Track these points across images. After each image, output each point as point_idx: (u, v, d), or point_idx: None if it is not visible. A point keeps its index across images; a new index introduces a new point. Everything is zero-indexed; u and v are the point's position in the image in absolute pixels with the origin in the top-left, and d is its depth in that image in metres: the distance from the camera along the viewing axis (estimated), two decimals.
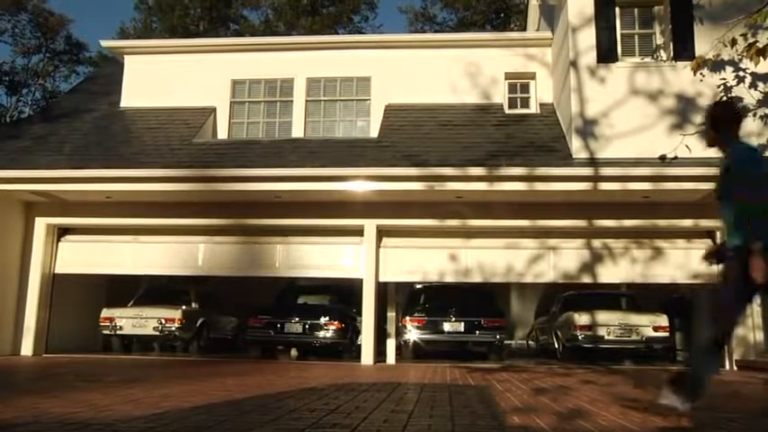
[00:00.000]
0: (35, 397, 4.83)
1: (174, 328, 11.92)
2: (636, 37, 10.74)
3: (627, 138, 9.91)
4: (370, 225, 10.81)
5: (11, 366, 8.73)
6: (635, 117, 9.98)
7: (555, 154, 10.27)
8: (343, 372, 8.34)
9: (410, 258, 11.08)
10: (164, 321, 11.86)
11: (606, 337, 11.04)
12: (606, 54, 10.37)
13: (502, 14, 29.74)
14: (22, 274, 11.18)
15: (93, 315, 12.14)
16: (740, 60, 9.56)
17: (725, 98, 4.30)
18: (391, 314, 11.76)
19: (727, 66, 9.80)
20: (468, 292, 12.42)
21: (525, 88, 12.37)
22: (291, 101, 12.65)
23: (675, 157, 9.35)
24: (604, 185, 9.60)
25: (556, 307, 13.20)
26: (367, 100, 12.53)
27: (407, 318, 11.86)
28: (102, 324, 12.01)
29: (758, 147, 4.09)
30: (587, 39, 10.43)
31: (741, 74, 9.86)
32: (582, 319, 11.22)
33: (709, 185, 9.74)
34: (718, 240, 10.59)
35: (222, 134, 12.54)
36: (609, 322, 11.11)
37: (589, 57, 10.38)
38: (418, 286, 12.95)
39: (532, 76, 12.29)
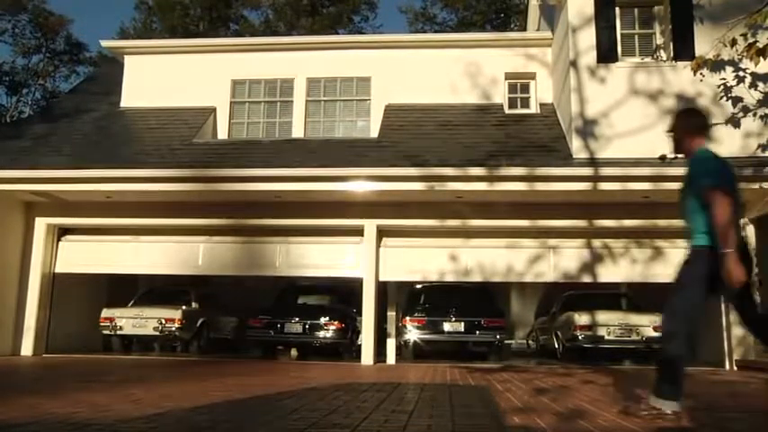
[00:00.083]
0: (35, 397, 4.83)
1: (174, 329, 11.92)
2: (636, 37, 10.74)
3: (627, 138, 9.91)
4: (370, 225, 10.81)
5: (11, 366, 8.73)
6: (635, 117, 9.98)
7: (555, 154, 10.27)
8: (344, 372, 8.34)
9: (410, 258, 11.08)
10: (164, 321, 11.86)
11: (606, 337, 11.04)
12: (606, 54, 10.37)
13: (502, 14, 29.75)
14: (23, 274, 11.18)
15: (94, 315, 12.15)
16: (740, 60, 9.56)
17: (691, 106, 4.46)
18: (391, 314, 11.76)
19: (727, 66, 9.80)
20: (469, 292, 12.41)
21: (525, 88, 12.37)
22: (291, 101, 12.65)
23: (675, 157, 9.32)
24: (604, 185, 9.60)
25: (556, 307, 13.20)
26: (367, 100, 12.53)
27: (407, 318, 11.86)
28: (102, 324, 12.01)
29: (714, 156, 4.16)
30: (587, 39, 10.43)
31: (741, 74, 9.86)
32: (582, 319, 11.22)
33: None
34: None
35: (222, 134, 12.54)
36: (609, 322, 11.11)
37: (589, 57, 10.38)
38: (418, 286, 12.95)
39: (532, 76, 12.29)
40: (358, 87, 12.65)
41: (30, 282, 11.16)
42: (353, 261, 11.04)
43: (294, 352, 13.16)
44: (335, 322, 11.72)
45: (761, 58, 8.52)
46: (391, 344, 11.33)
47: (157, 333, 11.92)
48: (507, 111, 12.01)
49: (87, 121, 12.54)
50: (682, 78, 9.95)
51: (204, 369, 8.65)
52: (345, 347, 12.17)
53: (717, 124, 9.87)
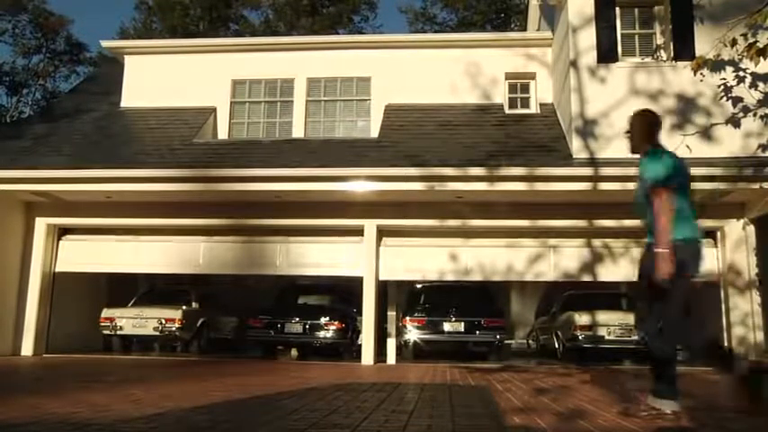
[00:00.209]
0: (35, 397, 4.84)
1: (174, 329, 11.92)
2: (636, 37, 10.74)
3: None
4: (370, 225, 10.81)
5: (11, 366, 8.73)
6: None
7: (555, 154, 10.27)
8: (344, 372, 8.34)
9: (410, 257, 11.08)
10: (164, 321, 11.86)
11: (606, 337, 11.04)
12: (606, 54, 10.36)
13: (502, 14, 29.73)
14: (23, 274, 11.18)
15: (94, 315, 12.15)
16: (740, 60, 9.55)
17: (645, 109, 4.59)
18: (391, 313, 11.76)
19: (727, 66, 9.80)
20: (469, 292, 12.41)
21: (525, 88, 12.36)
22: (292, 101, 12.65)
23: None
24: (604, 185, 9.59)
25: (556, 307, 13.20)
26: (367, 100, 12.53)
27: (407, 318, 11.86)
28: (102, 324, 12.01)
29: (665, 155, 4.29)
30: (587, 39, 10.43)
31: (741, 74, 9.86)
32: (582, 319, 11.22)
33: (710, 185, 9.79)
34: (719, 239, 10.59)
35: (222, 134, 12.54)
36: (609, 322, 11.11)
37: (589, 57, 10.38)
38: (418, 286, 12.95)
39: (532, 76, 12.29)
40: (358, 87, 12.65)
41: (30, 282, 11.16)
42: (353, 260, 11.04)
43: (294, 352, 13.16)
44: (336, 322, 11.72)
45: (761, 58, 8.51)
46: (391, 344, 11.34)
47: (158, 333, 11.92)
48: (507, 111, 12.01)
49: (87, 121, 12.54)
50: (682, 78, 9.95)
51: (204, 369, 8.65)
52: (346, 347, 12.17)
53: (717, 124, 9.88)
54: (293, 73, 12.69)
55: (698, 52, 9.65)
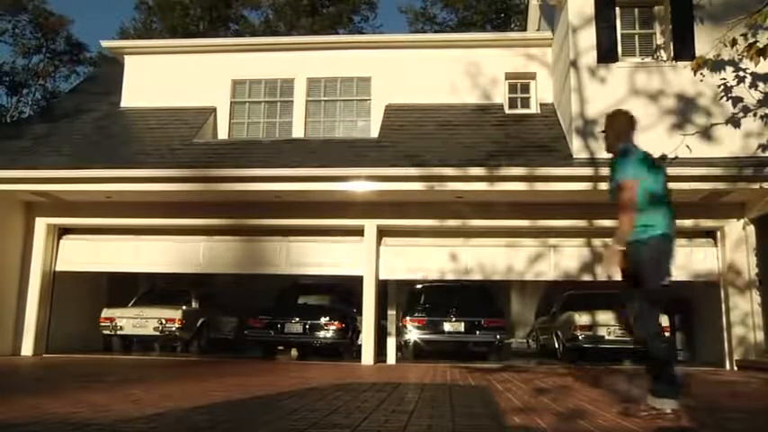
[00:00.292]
0: (35, 397, 4.84)
1: (174, 329, 11.91)
2: (636, 37, 10.73)
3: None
4: (370, 225, 10.81)
5: (11, 366, 8.73)
6: (635, 117, 9.95)
7: (555, 154, 10.27)
8: (344, 372, 8.34)
9: (410, 257, 11.08)
10: (164, 321, 11.86)
11: (606, 337, 11.03)
12: (606, 54, 10.36)
13: (502, 14, 29.72)
14: (23, 275, 11.18)
15: (94, 315, 12.15)
16: (740, 60, 9.55)
17: (622, 109, 4.73)
18: (391, 312, 11.75)
19: (727, 66, 9.79)
20: (469, 292, 12.40)
21: (525, 88, 12.36)
22: (292, 101, 12.65)
23: (676, 157, 9.35)
24: (604, 185, 9.56)
25: (556, 307, 13.19)
26: (367, 100, 12.53)
27: (408, 318, 11.86)
28: (102, 324, 12.01)
29: (636, 155, 4.41)
30: (587, 39, 10.42)
31: (741, 74, 9.86)
32: (582, 319, 11.22)
33: (710, 185, 9.79)
34: (719, 239, 10.59)
35: (222, 134, 12.54)
36: (609, 322, 11.09)
37: (589, 57, 10.37)
38: (418, 286, 12.95)
39: (533, 76, 12.28)
40: (358, 87, 12.65)
41: (30, 282, 11.15)
42: (354, 260, 11.03)
43: (294, 352, 13.15)
44: (336, 322, 11.71)
45: (761, 58, 8.51)
46: (391, 344, 11.34)
47: (158, 333, 11.92)
48: (507, 111, 12.01)
49: (87, 121, 12.54)
50: (682, 78, 9.95)
51: (204, 369, 8.65)
52: (346, 347, 12.17)
53: (717, 124, 9.88)
54: (293, 73, 12.69)
55: (698, 52, 9.65)
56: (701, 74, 9.43)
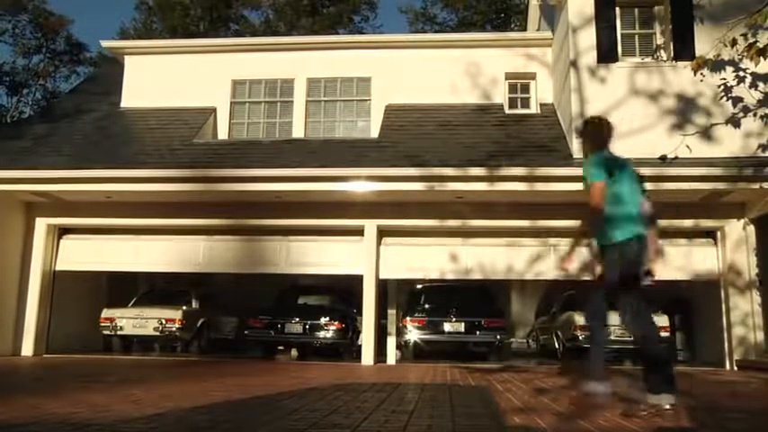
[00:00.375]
0: (35, 397, 4.84)
1: (174, 329, 11.91)
2: (636, 37, 10.73)
3: (627, 138, 9.86)
4: (370, 225, 10.81)
5: (11, 367, 8.73)
6: (635, 117, 9.97)
7: (555, 154, 10.26)
8: (344, 372, 8.34)
9: (411, 258, 11.08)
10: (164, 322, 11.86)
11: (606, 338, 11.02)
12: (606, 54, 10.36)
13: (502, 14, 29.72)
14: (23, 275, 11.17)
15: (94, 315, 12.15)
16: (740, 60, 9.55)
17: (597, 116, 4.89)
18: (391, 311, 11.75)
19: (727, 66, 9.80)
20: (469, 292, 12.41)
21: (525, 88, 12.36)
22: (292, 101, 12.65)
23: (676, 158, 9.36)
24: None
25: (556, 307, 13.19)
26: (367, 100, 12.53)
27: (408, 318, 11.86)
28: (102, 324, 12.01)
29: (606, 158, 4.52)
30: (587, 39, 10.42)
31: (741, 74, 9.86)
32: (582, 319, 11.19)
33: (710, 185, 9.78)
34: (719, 239, 10.58)
35: (222, 134, 12.54)
36: (609, 322, 11.08)
37: (589, 57, 10.37)
38: (418, 286, 12.95)
39: (533, 76, 12.28)
40: (358, 87, 12.64)
41: (30, 282, 11.15)
42: (354, 260, 11.02)
43: (294, 352, 13.15)
44: (336, 322, 11.72)
45: (761, 58, 8.52)
46: (391, 344, 11.34)
47: (158, 333, 11.91)
48: (507, 111, 12.01)
49: (87, 121, 12.54)
50: (682, 78, 9.95)
51: (204, 369, 8.65)
52: (346, 347, 12.17)
53: (717, 124, 9.88)
54: (293, 73, 12.69)
55: (698, 52, 9.65)
56: (701, 74, 9.43)
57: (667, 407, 3.96)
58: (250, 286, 13.39)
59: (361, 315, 10.84)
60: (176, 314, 12.00)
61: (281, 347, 12.85)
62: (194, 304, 12.86)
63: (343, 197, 10.46)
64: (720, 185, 9.34)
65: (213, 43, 14.37)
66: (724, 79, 9.89)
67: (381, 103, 12.22)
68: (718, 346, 10.44)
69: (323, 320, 11.73)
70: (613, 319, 11.64)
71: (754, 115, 9.77)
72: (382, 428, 3.47)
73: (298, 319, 11.73)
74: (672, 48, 10.31)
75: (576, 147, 10.09)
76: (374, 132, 11.89)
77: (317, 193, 10.29)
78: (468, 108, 11.93)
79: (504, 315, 12.71)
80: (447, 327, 11.69)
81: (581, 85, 10.29)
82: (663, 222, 10.39)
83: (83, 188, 10.27)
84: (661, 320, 11.13)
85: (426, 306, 12.24)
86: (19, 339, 10.99)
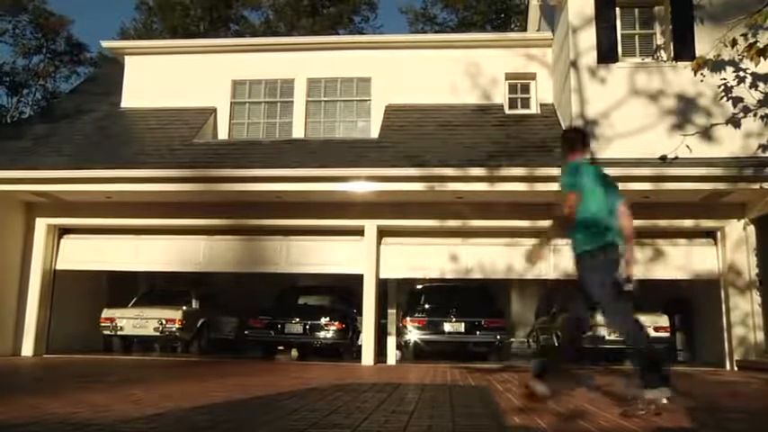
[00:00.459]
0: (36, 397, 4.84)
1: (174, 329, 11.91)
2: (636, 37, 10.73)
3: (627, 138, 9.90)
4: (370, 225, 10.81)
5: (11, 367, 8.73)
6: (635, 117, 9.97)
7: (555, 154, 10.25)
8: (344, 372, 8.34)
9: (411, 258, 11.08)
10: (164, 322, 11.85)
11: (607, 338, 11.03)
12: (606, 54, 10.36)
13: (502, 15, 29.72)
14: (23, 275, 11.17)
15: (94, 315, 12.14)
16: (740, 60, 9.55)
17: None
18: (391, 311, 11.75)
19: (727, 66, 9.80)
20: (469, 292, 12.41)
21: (525, 89, 12.36)
22: (292, 101, 12.65)
23: (676, 158, 9.36)
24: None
25: (556, 307, 13.19)
26: (367, 100, 12.53)
27: (408, 318, 11.86)
28: (102, 324, 12.01)
29: (581, 167, 4.62)
30: (587, 39, 10.42)
31: (741, 74, 9.86)
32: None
33: (710, 186, 9.78)
34: (719, 240, 10.58)
35: (223, 135, 12.54)
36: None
37: (589, 57, 10.37)
38: (418, 287, 12.95)
39: (533, 76, 12.28)
40: (358, 88, 12.65)
41: (30, 282, 11.15)
42: (354, 259, 11.02)
43: (294, 352, 13.15)
44: (336, 323, 11.72)
45: (761, 59, 8.52)
46: (392, 345, 11.33)
47: (158, 333, 11.91)
48: (507, 111, 12.01)
49: (88, 121, 12.54)
50: (682, 78, 9.95)
51: (204, 369, 8.65)
52: (346, 348, 12.16)
53: (717, 124, 9.88)
54: (293, 73, 12.69)
55: (698, 52, 9.65)
56: (702, 74, 9.43)
57: (664, 401, 4.00)
58: (250, 286, 13.39)
59: (361, 315, 10.84)
60: (176, 314, 11.99)
61: (281, 348, 12.85)
62: (194, 304, 12.86)
63: (344, 197, 10.46)
64: (720, 186, 9.34)
65: (213, 43, 14.37)
66: (724, 79, 9.89)
67: (381, 103, 12.22)
68: (719, 346, 10.43)
69: (323, 321, 11.73)
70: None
71: (755, 115, 9.77)
72: (382, 429, 3.47)
73: (298, 320, 11.73)
74: (672, 48, 10.31)
75: None
76: (374, 132, 11.89)
77: (317, 194, 10.29)
78: (468, 108, 11.93)
79: (504, 315, 12.71)
80: (447, 327, 11.69)
81: (581, 85, 10.29)
82: (663, 222, 10.48)
83: (83, 188, 10.28)
84: (661, 320, 11.14)
85: (426, 306, 12.24)
86: (19, 339, 10.99)
